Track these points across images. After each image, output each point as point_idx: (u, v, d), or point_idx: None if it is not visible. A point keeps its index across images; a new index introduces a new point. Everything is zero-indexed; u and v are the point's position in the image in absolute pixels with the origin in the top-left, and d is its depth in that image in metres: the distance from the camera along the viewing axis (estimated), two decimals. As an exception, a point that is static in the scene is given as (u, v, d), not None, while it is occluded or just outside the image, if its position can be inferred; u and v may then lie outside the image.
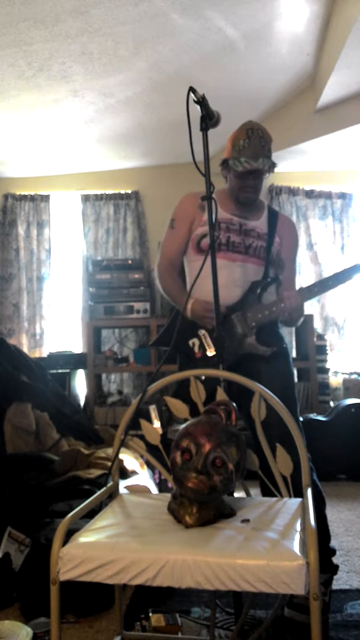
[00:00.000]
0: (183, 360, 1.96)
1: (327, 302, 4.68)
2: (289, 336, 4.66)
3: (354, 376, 4.37)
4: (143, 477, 2.75)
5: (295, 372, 4.22)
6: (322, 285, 1.95)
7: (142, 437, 1.58)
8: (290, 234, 2.13)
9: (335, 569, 1.89)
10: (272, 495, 1.47)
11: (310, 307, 4.65)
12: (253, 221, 2.05)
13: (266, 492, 1.55)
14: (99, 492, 1.40)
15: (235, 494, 1.52)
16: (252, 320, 1.91)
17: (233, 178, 1.98)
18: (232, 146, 1.96)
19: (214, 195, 1.94)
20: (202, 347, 1.89)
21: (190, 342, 1.91)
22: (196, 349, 1.89)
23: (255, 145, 1.91)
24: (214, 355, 1.69)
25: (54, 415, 3.07)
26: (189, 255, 2.07)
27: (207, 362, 1.82)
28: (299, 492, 1.42)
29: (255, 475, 1.52)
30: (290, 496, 1.43)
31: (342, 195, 4.78)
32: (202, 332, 1.91)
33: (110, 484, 1.49)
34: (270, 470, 1.47)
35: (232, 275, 1.95)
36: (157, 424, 3.62)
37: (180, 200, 2.11)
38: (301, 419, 3.57)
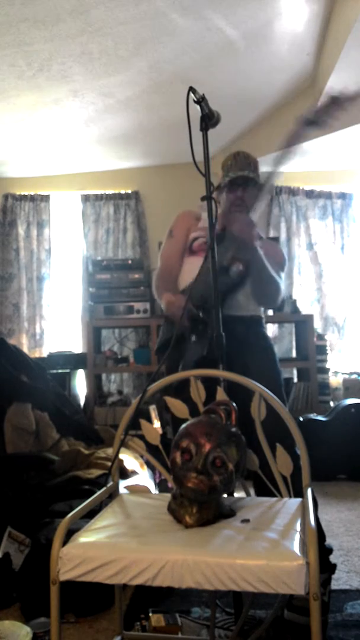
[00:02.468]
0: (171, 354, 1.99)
1: (327, 302, 4.68)
2: (289, 336, 4.67)
3: (354, 376, 4.37)
4: (143, 477, 2.75)
5: (295, 374, 4.21)
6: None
7: (142, 437, 1.58)
8: (275, 251, 2.22)
9: (333, 568, 1.89)
10: (267, 495, 1.47)
11: (310, 307, 4.65)
12: None
13: (260, 492, 1.55)
14: (99, 492, 1.40)
15: (235, 494, 1.52)
16: (223, 259, 1.94)
17: (225, 196, 2.11)
18: (222, 171, 2.13)
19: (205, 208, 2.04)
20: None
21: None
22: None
23: (242, 162, 2.10)
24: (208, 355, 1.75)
25: (54, 415, 3.07)
26: (185, 257, 2.18)
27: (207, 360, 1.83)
28: (298, 492, 1.42)
29: (250, 475, 1.52)
30: (290, 496, 1.43)
31: (342, 195, 4.78)
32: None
33: (110, 484, 1.49)
34: (265, 470, 1.46)
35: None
36: (157, 424, 3.62)
37: (176, 216, 2.26)
38: (301, 419, 3.61)
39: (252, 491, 1.61)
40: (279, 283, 2.14)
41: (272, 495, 1.45)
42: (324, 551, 1.85)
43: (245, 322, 2.07)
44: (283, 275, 2.25)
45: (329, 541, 2.41)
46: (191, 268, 2.11)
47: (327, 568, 1.84)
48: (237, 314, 2.02)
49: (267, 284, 2.08)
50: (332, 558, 1.93)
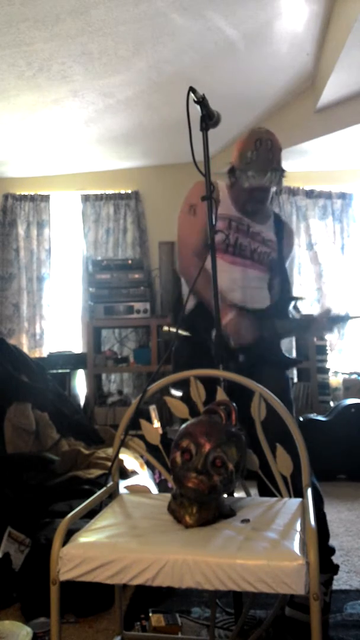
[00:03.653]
0: (196, 349, 1.85)
1: (327, 302, 4.68)
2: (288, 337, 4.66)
3: (354, 376, 4.37)
4: (143, 477, 2.75)
5: (295, 374, 4.20)
6: (347, 317, 1.96)
7: (142, 437, 1.58)
8: (290, 241, 2.14)
9: (335, 568, 1.89)
10: (270, 495, 1.47)
11: (310, 307, 4.65)
12: (259, 225, 2.02)
13: (264, 492, 1.55)
14: (99, 492, 1.40)
15: (235, 494, 1.52)
16: (280, 329, 1.92)
17: (240, 189, 1.93)
18: (239, 155, 1.90)
19: (225, 190, 1.95)
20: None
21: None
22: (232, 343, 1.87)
23: (264, 158, 1.86)
24: (239, 354, 1.77)
25: (54, 415, 3.07)
26: None
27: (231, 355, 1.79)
28: (298, 493, 1.42)
29: (254, 475, 1.52)
30: (290, 496, 1.43)
31: (342, 195, 4.78)
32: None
33: (110, 484, 1.49)
34: (268, 471, 1.47)
35: (232, 278, 1.93)
36: (157, 424, 3.62)
37: (194, 186, 1.98)
38: (301, 419, 3.60)
39: (253, 491, 1.60)
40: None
41: (274, 495, 1.45)
42: (327, 551, 1.85)
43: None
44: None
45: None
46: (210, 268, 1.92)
47: (329, 569, 1.84)
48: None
49: None
50: (333, 558, 1.93)
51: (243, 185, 1.88)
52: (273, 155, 1.89)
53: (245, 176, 1.86)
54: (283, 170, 1.93)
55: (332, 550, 1.89)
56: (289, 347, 4.64)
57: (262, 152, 1.86)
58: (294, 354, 4.54)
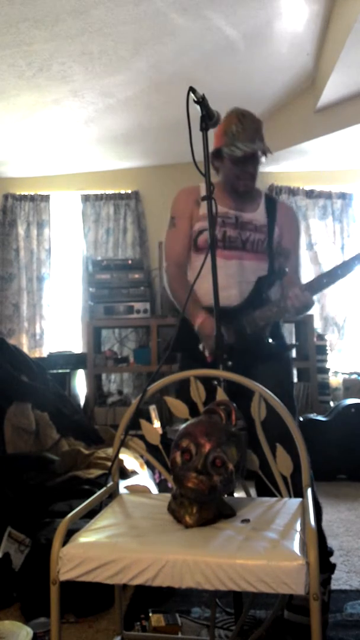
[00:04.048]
0: (189, 363, 1.87)
1: (327, 302, 4.68)
2: (289, 336, 4.66)
3: (354, 376, 4.37)
4: (143, 477, 2.75)
5: (295, 372, 4.16)
6: (330, 276, 1.81)
7: (142, 437, 1.58)
8: (291, 223, 2.05)
9: (332, 567, 1.89)
10: (268, 495, 1.47)
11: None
12: (249, 213, 1.98)
13: (262, 492, 1.54)
14: (99, 492, 1.40)
15: (235, 494, 1.52)
16: (260, 320, 1.84)
17: (230, 167, 1.90)
18: (223, 133, 1.88)
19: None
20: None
21: (201, 346, 1.84)
22: (207, 353, 1.81)
23: (249, 128, 1.86)
24: (228, 359, 1.67)
25: (54, 415, 3.07)
26: (191, 254, 2.02)
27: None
28: (297, 493, 1.42)
29: (253, 475, 1.52)
30: (290, 496, 1.43)
31: (342, 195, 4.77)
32: (202, 345, 1.84)
33: (110, 484, 1.49)
34: (268, 471, 1.46)
35: (228, 274, 1.88)
36: (157, 424, 3.62)
37: (175, 197, 2.05)
38: (301, 419, 3.60)
39: (253, 491, 1.60)
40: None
41: (273, 495, 1.45)
42: (325, 552, 1.86)
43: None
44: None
45: (329, 541, 2.42)
46: (198, 267, 1.87)
47: (326, 568, 1.84)
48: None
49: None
50: (332, 558, 1.93)
51: (235, 155, 1.85)
52: (257, 126, 1.90)
53: (235, 147, 1.85)
54: (268, 148, 1.92)
55: (330, 553, 1.89)
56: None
57: (247, 124, 1.87)
58: (293, 354, 4.54)
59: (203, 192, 1.89)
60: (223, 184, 1.97)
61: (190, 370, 1.56)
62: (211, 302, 1.62)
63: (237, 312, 1.86)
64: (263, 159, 1.93)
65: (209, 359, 1.78)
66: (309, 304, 1.81)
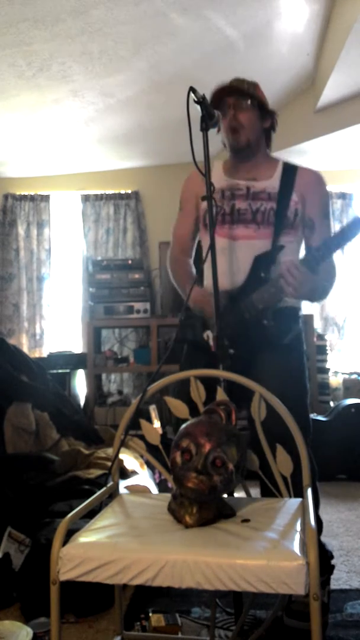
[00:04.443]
0: (193, 353, 1.83)
1: (327, 302, 4.68)
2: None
3: (354, 376, 4.37)
4: (143, 477, 2.75)
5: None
6: (327, 247, 1.67)
7: (142, 437, 1.58)
8: (314, 188, 1.88)
9: (331, 569, 1.89)
10: (272, 495, 1.47)
11: (310, 307, 4.64)
12: (263, 181, 1.85)
13: (266, 492, 1.54)
14: (99, 492, 1.40)
15: (235, 494, 1.52)
16: (258, 302, 1.71)
17: (222, 127, 1.81)
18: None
19: (220, 166, 1.87)
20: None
21: (205, 335, 1.77)
22: (211, 342, 1.74)
23: (235, 80, 1.88)
24: (230, 346, 1.62)
25: (54, 415, 3.07)
26: (201, 234, 1.95)
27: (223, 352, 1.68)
28: (298, 493, 1.42)
29: (255, 475, 1.52)
30: (290, 496, 1.43)
31: (342, 195, 4.78)
32: (207, 333, 1.78)
33: (110, 484, 1.49)
34: (269, 471, 1.46)
35: (236, 257, 1.78)
36: (157, 424, 3.62)
37: (186, 179, 2.00)
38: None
39: (253, 491, 1.60)
40: (334, 269, 1.83)
41: (276, 495, 1.45)
42: (323, 553, 1.85)
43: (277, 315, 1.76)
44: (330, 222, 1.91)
45: (328, 541, 2.42)
46: (208, 245, 1.83)
47: (325, 570, 1.84)
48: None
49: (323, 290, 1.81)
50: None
51: (214, 96, 1.83)
52: (244, 80, 1.92)
53: (219, 87, 1.84)
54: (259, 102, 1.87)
55: (330, 556, 1.89)
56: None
57: (232, 80, 1.89)
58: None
59: (215, 171, 1.83)
60: (230, 154, 1.89)
61: (195, 360, 1.55)
62: (219, 283, 1.58)
63: (237, 296, 1.76)
64: (251, 104, 1.83)
65: (213, 347, 1.68)
66: (305, 281, 1.64)
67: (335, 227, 5.35)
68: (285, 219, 1.80)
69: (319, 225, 1.86)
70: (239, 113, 1.82)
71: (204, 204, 1.76)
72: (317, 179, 1.93)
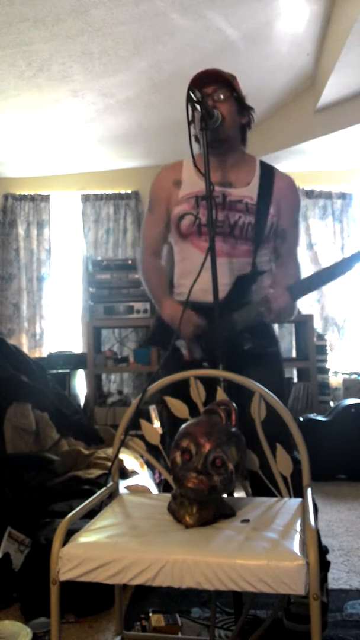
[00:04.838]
0: (170, 359, 1.76)
1: (327, 302, 4.68)
2: (289, 336, 4.66)
3: (354, 376, 4.37)
4: (143, 477, 2.75)
5: (295, 374, 4.11)
6: (316, 281, 1.68)
7: (142, 437, 1.58)
8: (289, 196, 1.80)
9: (327, 565, 1.89)
10: (263, 495, 1.47)
11: (310, 307, 4.65)
12: (240, 188, 1.75)
13: (257, 493, 1.52)
14: (99, 492, 1.40)
15: (235, 494, 1.52)
16: (237, 323, 1.67)
17: (197, 119, 1.61)
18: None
19: (191, 165, 1.72)
20: (190, 350, 1.72)
21: (178, 344, 1.73)
22: (184, 350, 1.72)
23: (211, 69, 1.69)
24: (203, 359, 1.65)
25: (54, 415, 3.07)
26: (172, 237, 1.84)
27: (197, 365, 1.66)
28: (297, 494, 1.42)
29: (249, 476, 1.52)
30: (290, 496, 1.43)
31: (342, 195, 4.78)
32: (179, 343, 1.72)
33: (110, 484, 1.49)
34: (265, 471, 1.46)
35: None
36: (157, 424, 3.62)
37: (155, 177, 1.87)
38: (301, 419, 3.60)
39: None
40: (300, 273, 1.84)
41: (269, 495, 1.45)
42: (319, 550, 1.84)
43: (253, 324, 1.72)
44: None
45: (327, 541, 2.42)
46: (186, 257, 1.77)
47: (322, 566, 1.83)
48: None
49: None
50: (332, 558, 1.93)
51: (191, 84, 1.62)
52: (221, 72, 1.72)
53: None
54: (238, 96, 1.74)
55: (325, 551, 1.88)
56: (289, 347, 4.64)
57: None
58: (293, 354, 4.54)
59: (185, 170, 1.78)
60: (201, 154, 1.67)
61: (170, 369, 1.52)
62: (195, 299, 1.55)
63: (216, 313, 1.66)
64: (234, 106, 1.70)
65: (187, 356, 1.69)
66: (289, 309, 1.65)
67: (335, 227, 5.30)
68: (262, 235, 1.74)
69: (290, 234, 1.84)
70: (219, 104, 1.68)
71: (177, 210, 1.76)
72: (292, 186, 1.85)
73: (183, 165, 1.81)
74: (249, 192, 1.75)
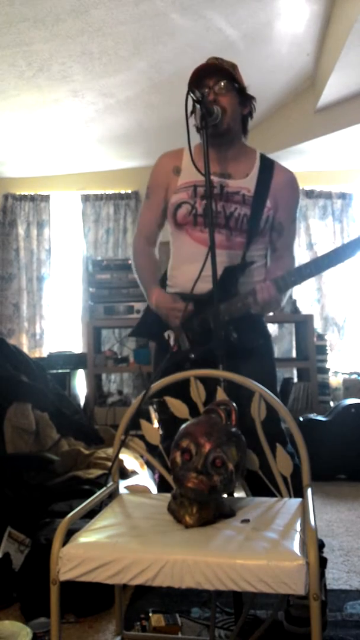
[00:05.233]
0: (159, 351, 1.81)
1: (327, 302, 4.68)
2: (289, 336, 4.67)
3: (354, 376, 4.37)
4: (143, 477, 2.75)
5: (295, 374, 4.10)
6: (300, 274, 1.64)
7: (142, 437, 1.58)
8: (288, 191, 1.79)
9: (324, 562, 1.88)
10: (260, 495, 1.47)
11: (310, 307, 4.65)
12: (238, 180, 1.74)
13: (256, 492, 1.52)
14: (99, 492, 1.40)
15: (235, 494, 1.52)
16: (225, 314, 1.64)
17: (196, 115, 1.62)
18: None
19: (192, 150, 1.69)
20: (178, 340, 1.72)
21: (166, 334, 1.74)
22: (172, 342, 1.71)
23: (211, 58, 1.70)
24: (191, 350, 1.66)
25: (54, 415, 3.07)
26: (169, 226, 1.84)
27: (184, 356, 1.68)
28: (295, 492, 1.42)
29: (246, 476, 1.51)
30: (290, 496, 1.43)
31: (342, 195, 4.78)
32: (167, 332, 1.74)
33: (110, 484, 1.49)
34: (262, 471, 1.46)
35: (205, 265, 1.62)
36: (157, 424, 3.61)
37: (155, 163, 1.86)
38: (301, 419, 3.60)
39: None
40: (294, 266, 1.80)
41: (269, 495, 1.45)
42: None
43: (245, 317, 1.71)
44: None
45: (327, 541, 2.42)
46: (181, 247, 1.77)
47: (320, 563, 1.83)
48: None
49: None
50: (332, 558, 1.93)
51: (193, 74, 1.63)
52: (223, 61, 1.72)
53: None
54: (240, 87, 1.73)
55: (321, 543, 1.88)
56: (289, 347, 4.65)
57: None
58: (293, 354, 4.55)
59: (186, 158, 1.77)
60: (201, 145, 1.67)
61: (159, 360, 1.52)
62: (186, 289, 1.56)
63: (204, 303, 1.69)
64: (234, 97, 1.69)
65: (174, 348, 1.68)
66: (274, 302, 1.64)
67: (335, 227, 5.30)
68: (257, 227, 1.73)
69: (287, 229, 1.83)
70: (220, 96, 1.67)
71: (175, 198, 1.75)
72: (292, 181, 1.83)
73: (184, 152, 1.80)
74: (246, 183, 1.74)
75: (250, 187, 1.74)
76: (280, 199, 1.77)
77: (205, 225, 1.69)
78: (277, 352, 4.61)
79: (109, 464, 1.79)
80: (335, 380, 4.47)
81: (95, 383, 4.16)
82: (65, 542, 1.15)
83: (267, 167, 1.78)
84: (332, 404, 4.18)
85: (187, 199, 1.73)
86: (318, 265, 1.63)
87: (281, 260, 1.85)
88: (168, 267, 1.89)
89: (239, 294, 1.69)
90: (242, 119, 1.79)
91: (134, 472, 2.72)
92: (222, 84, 1.68)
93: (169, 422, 1.44)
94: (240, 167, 1.77)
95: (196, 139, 1.67)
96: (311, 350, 4.07)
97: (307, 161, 4.46)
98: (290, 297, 4.46)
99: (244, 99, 1.76)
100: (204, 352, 1.60)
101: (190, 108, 1.61)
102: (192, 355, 1.63)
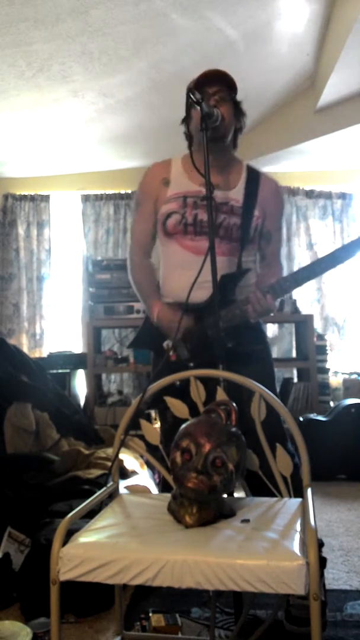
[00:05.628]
0: (158, 360, 1.82)
1: (327, 302, 4.68)
2: (289, 336, 4.67)
3: (354, 376, 4.36)
4: (143, 477, 2.75)
5: (295, 374, 4.10)
6: (295, 279, 1.68)
7: (142, 437, 1.58)
8: (273, 200, 1.86)
9: (324, 561, 1.88)
10: (260, 495, 1.47)
11: (310, 307, 4.65)
12: (227, 191, 1.79)
13: (256, 492, 1.52)
14: (99, 492, 1.40)
15: (235, 494, 1.52)
16: (222, 322, 1.63)
17: (196, 117, 1.65)
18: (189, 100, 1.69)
19: (179, 165, 1.80)
20: (176, 350, 1.74)
21: (165, 344, 1.75)
22: (171, 352, 1.72)
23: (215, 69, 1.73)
24: (189, 360, 1.68)
25: (54, 415, 3.07)
26: (159, 236, 1.87)
27: (183, 366, 1.69)
28: (295, 491, 1.42)
29: (246, 476, 1.51)
30: (290, 496, 1.43)
31: (342, 195, 4.78)
32: (167, 342, 1.75)
33: (110, 484, 1.49)
34: (262, 471, 1.46)
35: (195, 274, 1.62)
36: (157, 424, 3.61)
37: (143, 174, 1.88)
38: (301, 419, 3.60)
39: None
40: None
41: (269, 495, 1.45)
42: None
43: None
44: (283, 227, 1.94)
45: (327, 541, 2.42)
46: (172, 255, 1.80)
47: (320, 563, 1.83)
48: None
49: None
50: (332, 558, 1.93)
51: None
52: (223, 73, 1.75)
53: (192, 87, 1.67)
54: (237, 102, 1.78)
55: (320, 543, 1.88)
56: (289, 347, 4.65)
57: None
58: (293, 354, 4.55)
59: (174, 169, 1.82)
60: (196, 149, 1.71)
61: (161, 370, 1.52)
62: (178, 298, 1.58)
63: (201, 312, 1.73)
64: (231, 108, 1.73)
65: (173, 357, 1.71)
66: (269, 310, 1.69)
67: (335, 227, 5.30)
68: (248, 236, 1.79)
69: (275, 237, 1.90)
70: (220, 104, 1.70)
71: (164, 209, 1.79)
72: (277, 190, 1.91)
73: (171, 164, 1.84)
74: (234, 194, 1.80)
75: (238, 197, 1.80)
76: (267, 207, 1.84)
77: (196, 234, 1.76)
78: (277, 352, 4.62)
79: (109, 464, 1.79)
80: (335, 380, 4.47)
81: (95, 383, 4.16)
82: (65, 542, 1.15)
83: (254, 178, 1.84)
84: (332, 404, 4.18)
85: (176, 209, 1.77)
86: (313, 270, 1.68)
87: (271, 267, 1.92)
88: (159, 277, 1.92)
89: (236, 301, 1.73)
90: (234, 132, 1.84)
91: (134, 472, 2.72)
92: (224, 92, 1.73)
93: (170, 431, 1.44)
94: (228, 178, 1.82)
95: (186, 146, 1.72)
96: (311, 350, 4.07)
97: (307, 161, 4.46)
98: (290, 297, 4.46)
99: (238, 112, 1.81)
100: (203, 361, 1.62)
101: (190, 113, 1.64)
102: (192, 364, 1.66)
